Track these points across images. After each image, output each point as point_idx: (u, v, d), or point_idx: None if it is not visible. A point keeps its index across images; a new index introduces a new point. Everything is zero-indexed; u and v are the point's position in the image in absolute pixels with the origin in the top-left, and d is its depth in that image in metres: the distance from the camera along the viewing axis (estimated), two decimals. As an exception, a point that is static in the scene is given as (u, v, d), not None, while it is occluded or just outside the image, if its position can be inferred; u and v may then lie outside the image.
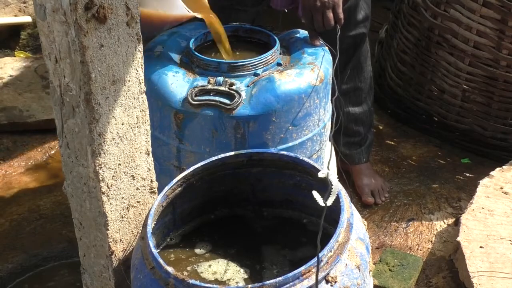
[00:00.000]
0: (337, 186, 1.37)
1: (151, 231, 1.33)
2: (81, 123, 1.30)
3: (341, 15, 1.81)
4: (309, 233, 1.55)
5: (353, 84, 2.31)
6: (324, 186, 1.39)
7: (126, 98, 1.32)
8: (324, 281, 1.24)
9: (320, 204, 1.29)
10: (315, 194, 1.30)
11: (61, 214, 2.30)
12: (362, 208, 2.38)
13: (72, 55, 1.23)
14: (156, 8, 1.69)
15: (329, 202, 1.30)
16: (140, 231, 1.43)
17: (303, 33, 1.89)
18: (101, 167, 1.33)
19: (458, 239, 2.04)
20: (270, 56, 1.74)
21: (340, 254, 1.26)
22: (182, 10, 1.68)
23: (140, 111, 1.37)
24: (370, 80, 2.38)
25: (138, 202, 1.45)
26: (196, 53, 1.73)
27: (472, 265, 1.93)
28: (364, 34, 2.22)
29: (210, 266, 1.44)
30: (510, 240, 2.03)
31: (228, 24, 1.87)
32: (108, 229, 1.40)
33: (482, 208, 2.15)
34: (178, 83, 1.68)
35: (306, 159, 1.50)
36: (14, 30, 3.35)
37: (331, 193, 1.31)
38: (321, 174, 1.36)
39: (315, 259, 1.22)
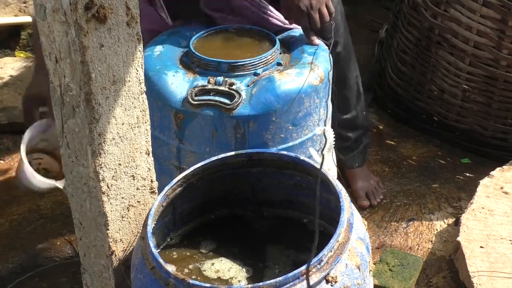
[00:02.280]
0: (337, 184, 1.37)
1: (151, 231, 1.33)
2: (81, 123, 1.30)
3: (333, 8, 1.84)
4: (309, 232, 1.55)
5: (339, 94, 2.26)
6: (325, 186, 1.39)
7: (126, 98, 1.32)
8: (324, 281, 1.24)
9: (316, 160, 1.28)
10: (312, 150, 1.29)
11: (61, 214, 2.30)
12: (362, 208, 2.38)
13: (72, 55, 1.23)
14: None
15: (326, 153, 1.28)
16: (140, 231, 1.43)
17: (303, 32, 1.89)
18: (101, 167, 1.33)
19: (458, 239, 2.04)
20: (270, 56, 1.73)
21: (340, 254, 1.26)
22: None
23: (140, 111, 1.37)
24: (357, 86, 2.32)
25: (138, 202, 1.45)
26: (196, 52, 1.73)
27: (472, 265, 1.93)
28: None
29: (213, 264, 1.45)
30: (510, 240, 2.03)
31: (229, 24, 1.88)
32: (108, 229, 1.40)
33: (482, 208, 2.15)
34: (178, 83, 1.68)
35: (306, 159, 1.49)
36: (14, 30, 3.34)
37: (328, 146, 1.29)
38: (318, 131, 1.35)
39: (315, 259, 1.22)
